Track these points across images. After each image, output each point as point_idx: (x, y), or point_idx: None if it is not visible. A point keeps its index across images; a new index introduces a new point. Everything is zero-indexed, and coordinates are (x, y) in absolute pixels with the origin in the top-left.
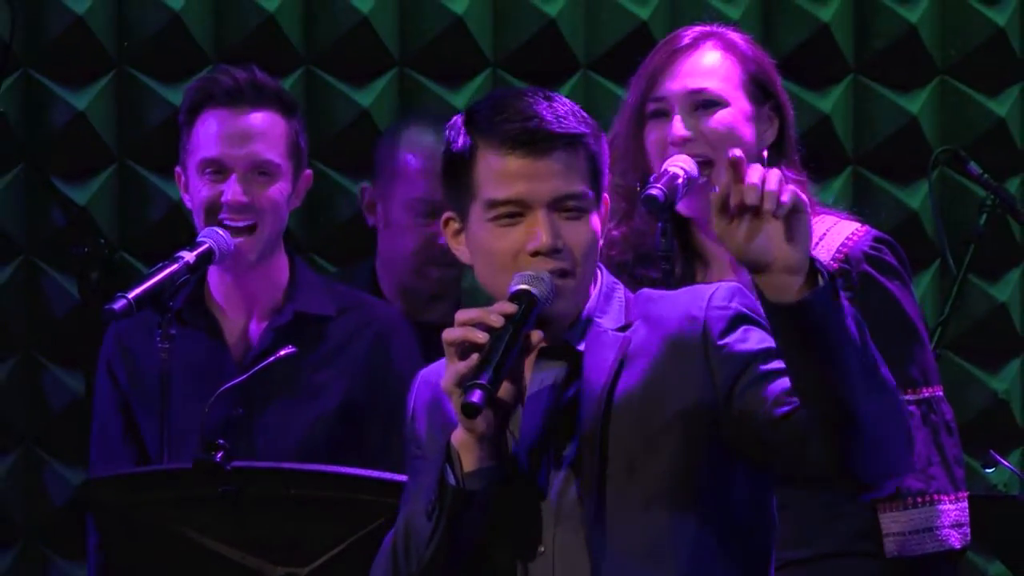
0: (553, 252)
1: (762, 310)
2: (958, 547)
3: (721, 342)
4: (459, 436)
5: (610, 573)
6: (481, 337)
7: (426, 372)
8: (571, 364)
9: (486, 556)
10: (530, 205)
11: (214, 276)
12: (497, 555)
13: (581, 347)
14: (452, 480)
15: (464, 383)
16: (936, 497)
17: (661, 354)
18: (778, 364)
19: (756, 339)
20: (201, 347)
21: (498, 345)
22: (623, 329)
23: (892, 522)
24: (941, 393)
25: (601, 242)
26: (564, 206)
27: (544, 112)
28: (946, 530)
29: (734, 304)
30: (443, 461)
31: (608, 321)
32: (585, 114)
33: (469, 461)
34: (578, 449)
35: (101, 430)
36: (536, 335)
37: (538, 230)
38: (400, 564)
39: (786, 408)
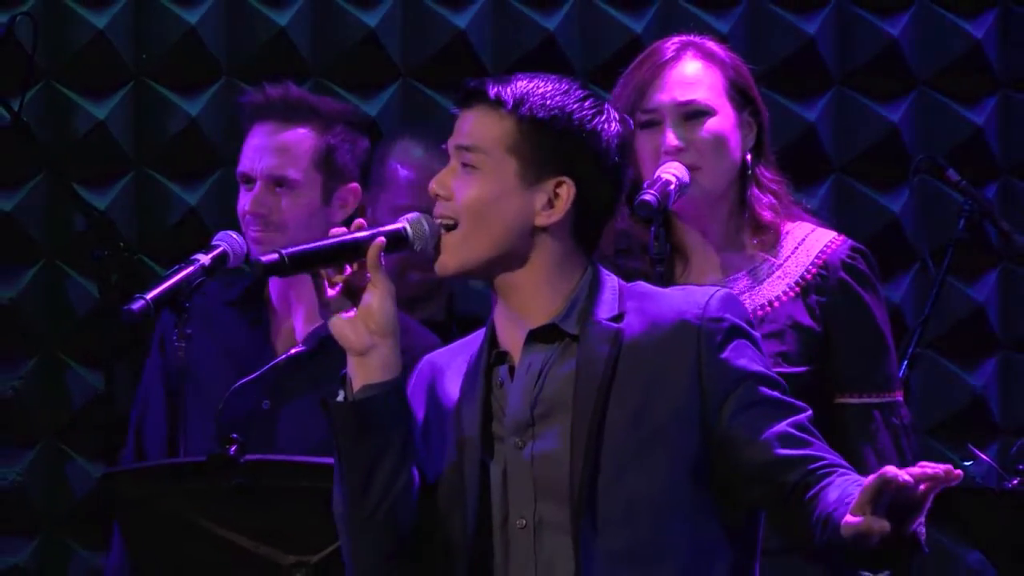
0: (436, 196)
1: (751, 319)
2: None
3: (715, 356)
4: (349, 362)
5: (597, 556)
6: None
7: (431, 355)
8: (560, 347)
9: (461, 526)
10: (449, 151)
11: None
12: (475, 525)
13: (573, 330)
14: (341, 399)
15: None
16: None
17: (654, 359)
18: (776, 393)
19: (751, 356)
20: (244, 337)
21: (326, 239)
22: (616, 319)
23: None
24: (901, 398)
25: (510, 215)
26: (461, 158)
27: (492, 78)
28: None
29: (728, 316)
30: (337, 389)
31: (601, 310)
32: (545, 96)
33: (356, 381)
34: (571, 435)
35: (143, 396)
36: (375, 244)
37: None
38: (339, 519)
39: (793, 454)
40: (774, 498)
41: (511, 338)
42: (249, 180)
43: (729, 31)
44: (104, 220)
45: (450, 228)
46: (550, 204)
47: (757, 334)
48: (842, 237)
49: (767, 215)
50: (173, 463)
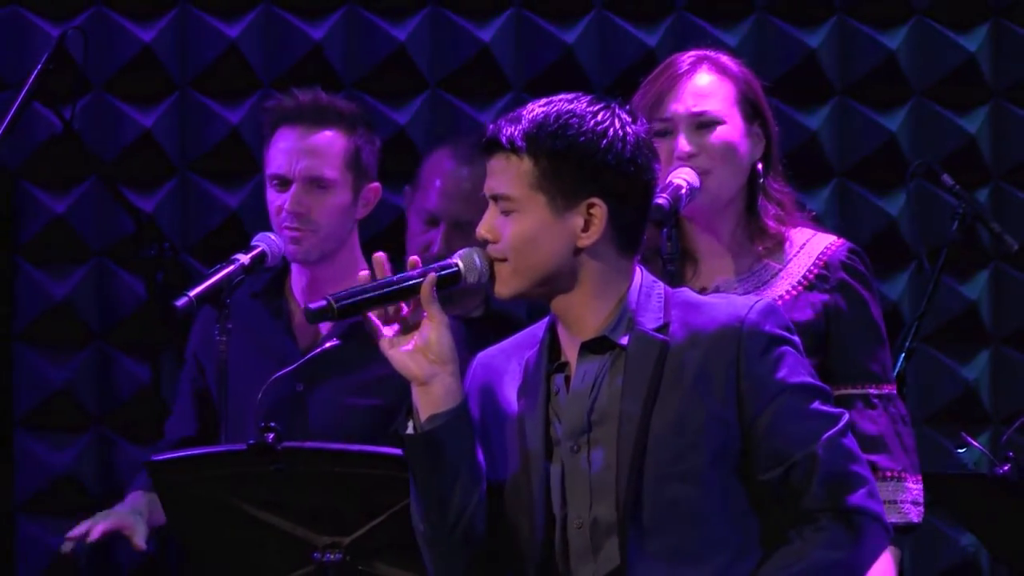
0: (484, 242)
1: (794, 327)
2: (916, 521)
3: (754, 366)
4: (413, 392)
5: (643, 556)
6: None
7: (484, 355)
8: (612, 356)
9: (529, 529)
10: (487, 200)
11: (296, 268)
12: (538, 528)
13: (623, 341)
14: (411, 430)
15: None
16: (903, 475)
17: (697, 368)
18: (814, 405)
19: (791, 365)
20: (268, 327)
21: (374, 283)
22: (661, 330)
23: None
24: (895, 391)
25: (551, 244)
26: (498, 204)
27: (505, 120)
28: (907, 505)
29: (768, 327)
30: (405, 420)
31: (648, 320)
32: (554, 129)
33: (423, 411)
34: (617, 443)
35: (180, 390)
36: (428, 280)
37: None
38: (419, 536)
39: (798, 487)
40: (771, 512)
41: (569, 347)
42: (284, 182)
43: (737, 44)
44: (150, 222)
45: (501, 261)
46: (586, 226)
47: (798, 340)
48: (841, 240)
49: (772, 224)
50: (215, 451)
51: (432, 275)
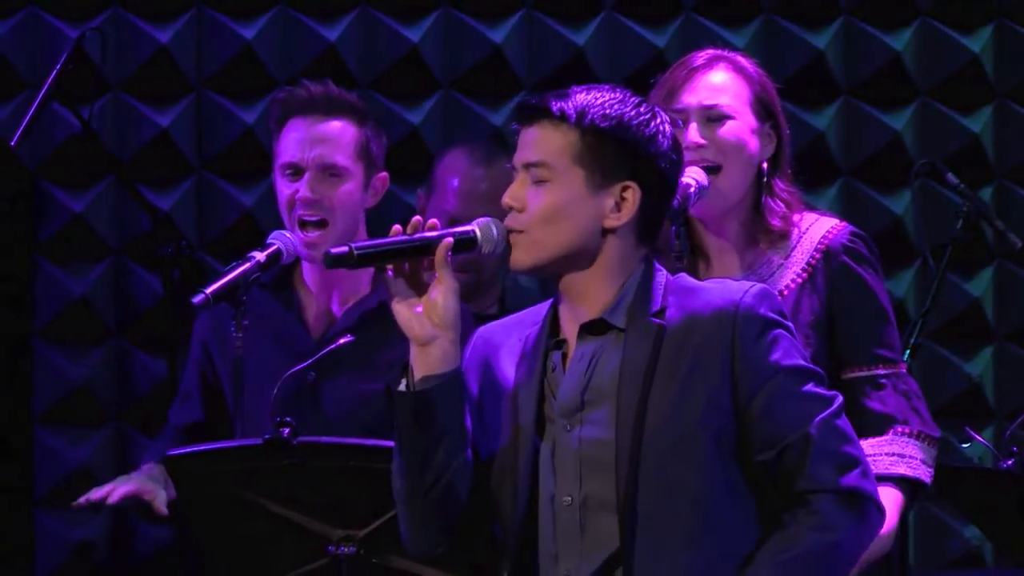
0: (510, 208)
1: (788, 313)
2: (927, 481)
3: (748, 349)
4: (411, 351)
5: (641, 537)
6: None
7: (484, 329)
8: (611, 338)
9: (512, 502)
10: (516, 168)
11: (307, 263)
12: (521, 502)
13: (620, 324)
14: (404, 388)
15: None
16: (920, 433)
17: (693, 351)
18: (807, 388)
19: (785, 348)
20: (280, 318)
21: (395, 238)
22: (658, 314)
23: (869, 447)
24: (905, 369)
25: (580, 220)
26: (531, 173)
27: (551, 93)
28: (917, 461)
29: (763, 310)
30: (400, 377)
31: (647, 305)
32: (603, 108)
33: (418, 371)
34: (616, 425)
35: (186, 375)
36: (443, 244)
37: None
38: (396, 492)
39: (790, 468)
40: (767, 494)
41: (569, 326)
42: (297, 170)
43: (745, 45)
44: (167, 220)
45: (519, 233)
46: (617, 207)
47: (791, 324)
48: (843, 223)
49: (776, 223)
50: (231, 446)
51: (449, 239)
